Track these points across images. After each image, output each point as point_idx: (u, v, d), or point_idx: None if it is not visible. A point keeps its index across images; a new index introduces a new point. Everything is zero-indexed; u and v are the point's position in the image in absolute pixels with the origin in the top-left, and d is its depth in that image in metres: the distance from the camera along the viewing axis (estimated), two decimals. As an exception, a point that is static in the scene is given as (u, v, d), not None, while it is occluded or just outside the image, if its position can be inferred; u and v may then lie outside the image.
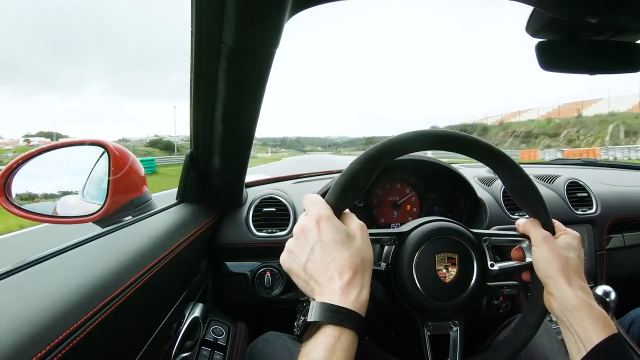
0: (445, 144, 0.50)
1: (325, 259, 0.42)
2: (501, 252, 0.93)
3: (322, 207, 0.46)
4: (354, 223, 0.46)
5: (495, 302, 0.79)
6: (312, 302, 0.40)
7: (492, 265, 0.55)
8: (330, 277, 0.41)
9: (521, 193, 0.54)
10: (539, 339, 0.69)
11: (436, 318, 0.55)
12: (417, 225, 0.56)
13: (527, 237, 0.53)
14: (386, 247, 0.57)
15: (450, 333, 0.55)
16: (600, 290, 0.76)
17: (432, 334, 0.54)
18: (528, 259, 0.53)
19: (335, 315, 0.39)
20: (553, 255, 0.50)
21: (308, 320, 0.39)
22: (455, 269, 0.53)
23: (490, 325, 0.79)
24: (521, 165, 0.54)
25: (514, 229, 0.56)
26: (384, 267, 0.55)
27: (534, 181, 0.53)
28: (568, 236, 0.53)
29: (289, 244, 0.46)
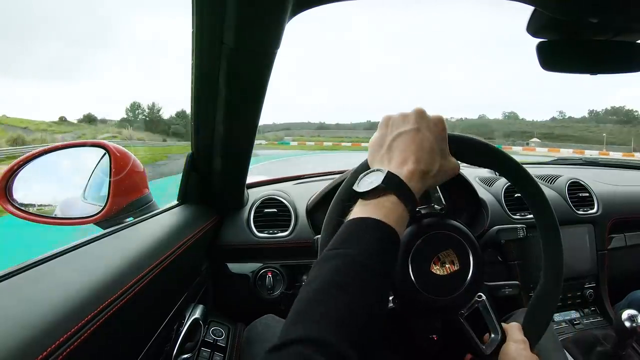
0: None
1: (417, 145, 0.44)
2: (502, 251, 0.92)
3: (444, 123, 0.47)
4: (454, 160, 0.48)
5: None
6: (385, 170, 0.41)
7: (461, 314, 0.56)
8: (406, 158, 0.43)
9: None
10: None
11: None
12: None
13: (503, 336, 0.55)
14: None
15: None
16: (625, 314, 0.76)
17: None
18: (483, 348, 0.54)
19: (404, 190, 0.40)
20: (526, 355, 0.51)
21: (379, 184, 0.40)
22: (451, 268, 0.53)
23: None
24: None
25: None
26: None
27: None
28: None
29: (402, 113, 0.47)
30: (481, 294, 0.57)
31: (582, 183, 1.22)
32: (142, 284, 0.49)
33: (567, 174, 1.28)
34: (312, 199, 1.05)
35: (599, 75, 0.68)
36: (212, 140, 0.76)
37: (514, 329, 0.55)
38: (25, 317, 0.34)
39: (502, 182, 1.15)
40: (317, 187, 1.07)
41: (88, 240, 0.56)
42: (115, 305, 0.42)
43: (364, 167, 0.51)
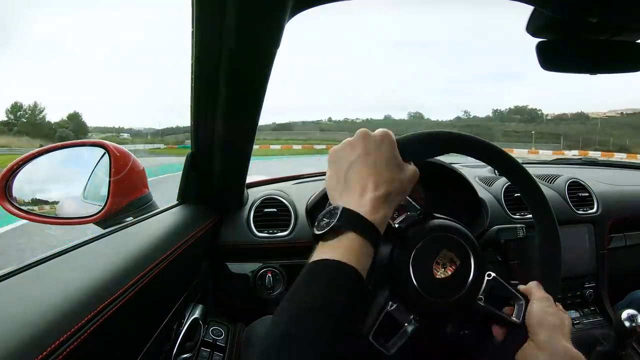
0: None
1: (371, 170, 0.44)
2: (502, 251, 0.92)
3: (391, 133, 0.47)
4: (411, 165, 0.48)
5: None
6: (340, 207, 0.41)
7: (480, 299, 0.55)
8: (365, 186, 0.43)
9: (546, 252, 0.55)
10: None
11: (423, 314, 0.55)
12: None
13: (526, 298, 0.54)
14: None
15: (406, 325, 0.53)
16: (625, 314, 0.76)
17: (390, 314, 0.54)
18: (514, 319, 0.53)
19: (362, 225, 0.40)
20: (553, 311, 0.51)
21: (335, 222, 0.39)
22: (451, 269, 0.53)
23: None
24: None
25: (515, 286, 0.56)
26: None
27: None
28: (565, 312, 0.54)
29: (346, 140, 0.47)
30: (490, 272, 0.56)
31: (582, 183, 1.23)
32: (141, 284, 0.49)
33: (567, 173, 1.28)
34: (311, 198, 1.05)
35: (598, 75, 0.68)
36: (212, 140, 0.76)
37: (534, 289, 0.54)
38: (25, 317, 0.34)
39: (501, 182, 1.15)
40: (317, 187, 1.07)
41: (88, 240, 0.56)
42: (115, 305, 0.42)
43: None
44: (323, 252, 0.39)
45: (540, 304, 0.51)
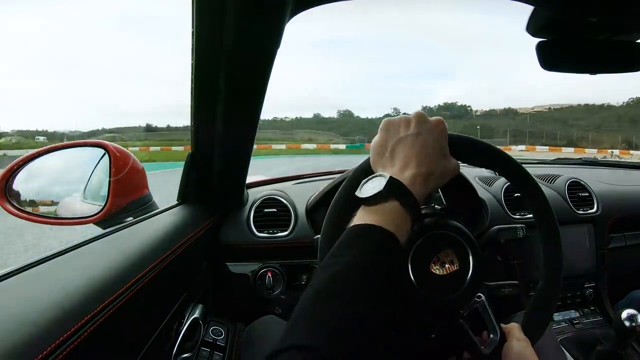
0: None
1: (418, 149, 0.44)
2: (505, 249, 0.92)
3: (444, 125, 0.48)
4: (455, 160, 0.49)
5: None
6: (387, 176, 0.41)
7: (462, 314, 0.56)
8: (408, 162, 0.44)
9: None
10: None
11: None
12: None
13: (502, 337, 0.54)
14: None
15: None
16: (625, 314, 0.76)
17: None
18: (483, 349, 0.54)
19: (405, 196, 0.41)
20: (528, 354, 0.51)
21: (381, 190, 0.40)
22: (451, 268, 0.53)
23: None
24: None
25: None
26: None
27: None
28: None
29: (403, 117, 0.48)
30: (481, 294, 0.57)
31: (582, 183, 1.23)
32: (141, 284, 0.49)
33: (567, 173, 1.28)
34: (312, 198, 1.05)
35: (598, 74, 0.68)
36: (212, 139, 0.76)
37: (514, 329, 0.55)
38: (25, 317, 0.34)
39: (501, 182, 1.15)
40: (317, 187, 1.07)
41: (88, 240, 0.56)
42: (115, 304, 0.42)
43: (365, 170, 0.51)
44: (365, 216, 0.40)
45: (519, 345, 0.52)
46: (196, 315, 0.73)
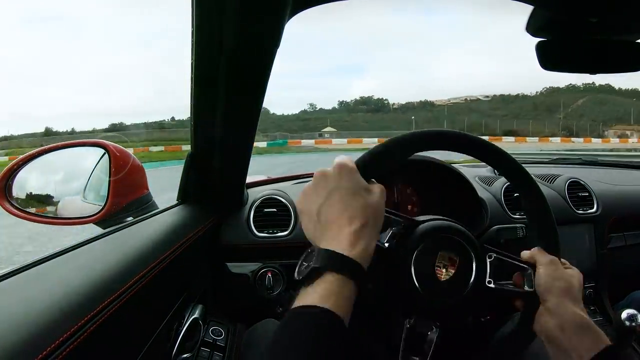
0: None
1: (340, 206, 0.43)
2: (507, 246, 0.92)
3: (347, 161, 0.47)
4: (376, 184, 0.48)
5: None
6: (317, 249, 0.41)
7: (489, 282, 0.55)
8: (340, 224, 0.42)
9: (539, 219, 0.55)
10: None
11: (422, 314, 0.55)
12: (429, 220, 0.56)
13: (532, 266, 0.54)
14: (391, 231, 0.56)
15: (429, 334, 0.54)
16: (625, 314, 0.76)
17: (413, 328, 0.54)
18: (527, 288, 0.53)
19: (339, 263, 0.39)
20: (560, 275, 0.51)
21: (312, 265, 0.39)
22: (453, 270, 0.53)
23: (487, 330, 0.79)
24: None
25: (519, 254, 0.56)
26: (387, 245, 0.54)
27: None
28: (573, 270, 0.54)
29: (306, 186, 0.47)
30: (490, 253, 0.56)
31: (582, 182, 1.22)
32: (141, 284, 0.49)
33: (567, 173, 1.28)
34: None
35: (598, 74, 0.68)
36: (212, 139, 0.76)
37: (538, 255, 0.54)
38: (25, 316, 0.34)
39: (501, 182, 1.15)
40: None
41: (88, 240, 0.56)
42: (115, 304, 0.42)
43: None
44: (303, 297, 0.38)
45: (546, 270, 0.51)
46: (196, 315, 0.73)
